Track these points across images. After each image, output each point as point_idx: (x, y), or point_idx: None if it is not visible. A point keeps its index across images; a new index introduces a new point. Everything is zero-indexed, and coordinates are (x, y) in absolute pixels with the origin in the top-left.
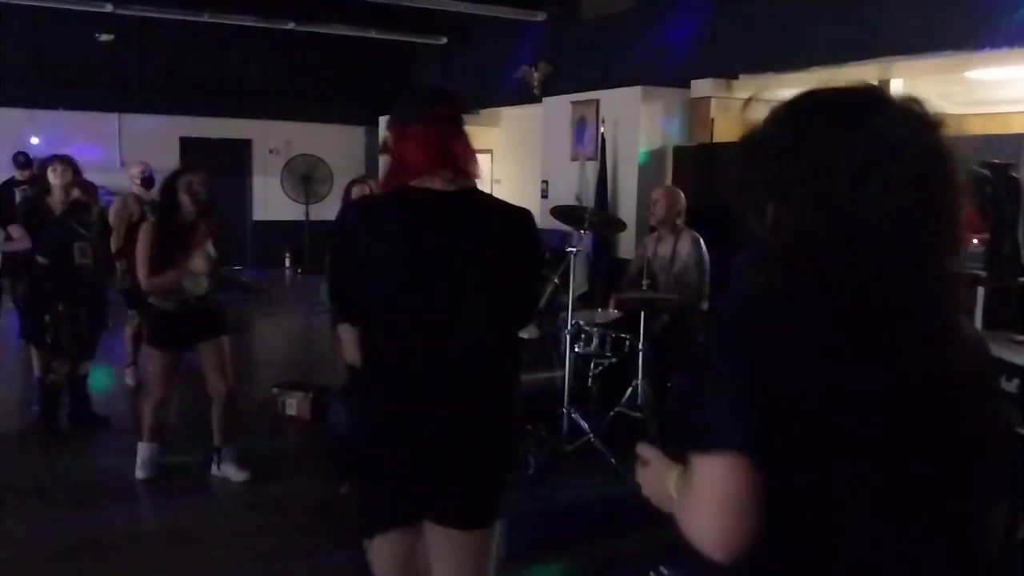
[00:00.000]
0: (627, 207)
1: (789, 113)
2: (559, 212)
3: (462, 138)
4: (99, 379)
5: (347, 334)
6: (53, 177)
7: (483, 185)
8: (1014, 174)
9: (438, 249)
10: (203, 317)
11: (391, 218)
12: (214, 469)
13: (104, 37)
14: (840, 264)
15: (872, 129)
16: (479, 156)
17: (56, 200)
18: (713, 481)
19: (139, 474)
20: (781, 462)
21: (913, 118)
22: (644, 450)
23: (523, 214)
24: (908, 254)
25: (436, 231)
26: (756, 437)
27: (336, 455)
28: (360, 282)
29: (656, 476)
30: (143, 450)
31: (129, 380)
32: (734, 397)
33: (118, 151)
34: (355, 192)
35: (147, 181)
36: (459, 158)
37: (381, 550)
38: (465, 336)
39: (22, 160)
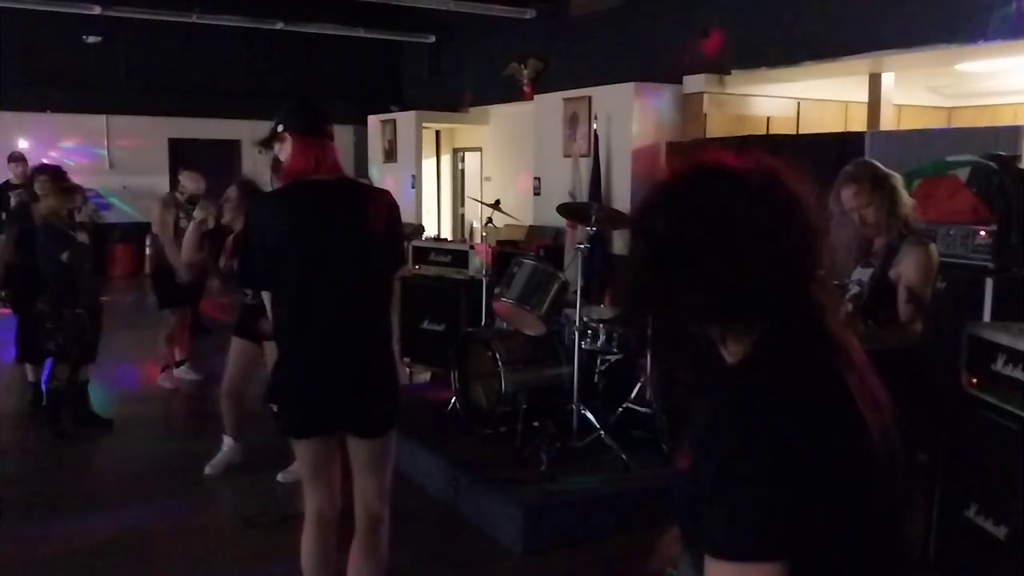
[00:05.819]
0: (621, 203)
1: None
2: (565, 209)
3: (332, 146)
4: (103, 383)
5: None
6: (38, 187)
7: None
8: (1021, 166)
9: (327, 222)
10: None
11: (293, 204)
12: (207, 469)
13: (91, 39)
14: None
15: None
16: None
17: (44, 209)
18: None
19: (208, 470)
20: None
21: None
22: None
23: (383, 192)
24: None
25: (324, 210)
26: (793, 541)
27: (269, 389)
28: (271, 258)
29: None
30: (225, 446)
31: (166, 383)
32: (766, 499)
33: (107, 153)
34: None
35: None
36: (331, 164)
37: (305, 450)
38: (352, 286)
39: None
